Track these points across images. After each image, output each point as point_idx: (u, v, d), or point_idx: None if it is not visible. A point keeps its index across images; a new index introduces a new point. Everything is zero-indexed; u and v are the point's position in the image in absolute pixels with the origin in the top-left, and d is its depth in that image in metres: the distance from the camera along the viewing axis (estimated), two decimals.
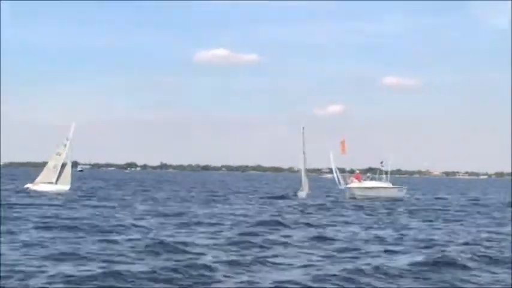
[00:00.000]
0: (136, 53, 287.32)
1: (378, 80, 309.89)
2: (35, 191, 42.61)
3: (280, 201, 40.73)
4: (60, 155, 45.57)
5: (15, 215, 24.60)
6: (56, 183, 44.66)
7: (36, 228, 20.07)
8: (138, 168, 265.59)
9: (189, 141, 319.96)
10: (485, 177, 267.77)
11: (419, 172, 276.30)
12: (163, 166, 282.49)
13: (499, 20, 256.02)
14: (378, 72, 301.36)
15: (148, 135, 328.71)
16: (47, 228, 20.10)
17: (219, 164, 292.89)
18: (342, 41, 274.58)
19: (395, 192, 47.26)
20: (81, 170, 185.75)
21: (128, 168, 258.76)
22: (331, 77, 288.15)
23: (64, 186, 44.36)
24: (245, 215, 27.90)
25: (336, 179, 48.34)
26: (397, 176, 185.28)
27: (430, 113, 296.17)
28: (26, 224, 21.25)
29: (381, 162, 47.82)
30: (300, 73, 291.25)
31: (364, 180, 47.42)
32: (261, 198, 44.62)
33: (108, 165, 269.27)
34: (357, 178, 47.37)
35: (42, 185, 44.51)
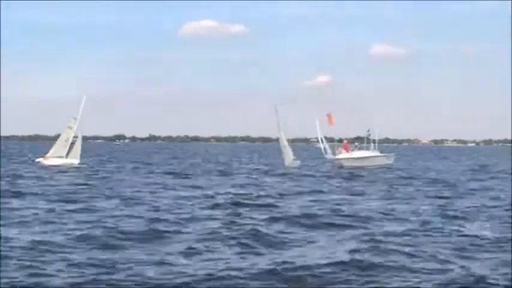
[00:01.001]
0: (121, 27, 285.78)
1: (367, 49, 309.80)
2: (47, 165, 42.59)
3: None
4: (71, 128, 45.16)
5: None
6: (67, 157, 44.35)
7: None
8: (126, 140, 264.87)
9: (178, 113, 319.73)
10: (473, 144, 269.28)
11: (408, 141, 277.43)
12: (152, 138, 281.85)
13: None
14: (367, 42, 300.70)
15: (136, 107, 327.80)
16: None
17: (207, 135, 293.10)
18: (330, 11, 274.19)
19: (384, 160, 47.73)
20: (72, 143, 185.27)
21: (117, 140, 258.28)
22: (320, 48, 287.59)
23: (74, 160, 44.13)
24: None
25: (322, 149, 48.66)
26: (386, 144, 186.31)
27: (419, 82, 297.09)
28: None
29: (368, 131, 48.19)
30: (288, 44, 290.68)
31: (352, 150, 47.63)
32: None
33: (95, 137, 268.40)
34: (345, 148, 47.53)
35: (52, 159, 44.28)
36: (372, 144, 47.77)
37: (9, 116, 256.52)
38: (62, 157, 44.30)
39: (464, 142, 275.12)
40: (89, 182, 28.97)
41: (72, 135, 45.01)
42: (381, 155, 48.41)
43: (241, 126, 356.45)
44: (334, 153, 47.68)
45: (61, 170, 38.71)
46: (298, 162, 45.18)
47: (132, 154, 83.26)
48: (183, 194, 23.42)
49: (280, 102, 46.77)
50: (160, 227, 14.61)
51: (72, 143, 44.83)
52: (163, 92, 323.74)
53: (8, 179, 29.67)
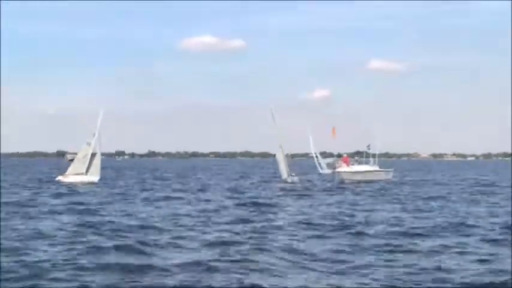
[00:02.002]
0: (121, 42, 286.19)
1: (365, 64, 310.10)
2: (66, 183, 41.93)
3: None
4: (89, 145, 44.46)
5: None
6: (86, 173, 43.69)
7: None
8: (126, 157, 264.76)
9: (176, 129, 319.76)
10: (473, 158, 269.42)
11: (408, 155, 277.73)
12: (151, 154, 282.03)
13: (489, 2, 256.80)
14: (365, 57, 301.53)
15: (135, 123, 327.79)
16: None
17: (207, 151, 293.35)
18: (328, 25, 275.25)
19: (383, 175, 47.95)
20: (71, 160, 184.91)
21: (116, 157, 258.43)
22: (318, 62, 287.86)
23: (94, 177, 43.44)
24: None
25: (317, 163, 48.92)
26: (384, 159, 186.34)
27: (417, 96, 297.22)
28: None
29: (368, 146, 48.60)
30: (286, 59, 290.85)
31: (352, 164, 47.93)
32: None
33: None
34: (345, 162, 47.80)
35: (71, 176, 43.75)
36: (371, 159, 48.09)
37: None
38: (81, 174, 43.60)
39: (464, 156, 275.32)
40: None
41: (91, 151, 44.24)
42: (381, 170, 48.71)
43: (240, 142, 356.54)
44: (333, 168, 47.85)
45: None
46: (296, 178, 44.79)
47: (159, 170, 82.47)
48: None
49: (274, 108, 45.75)
50: None
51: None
52: (162, 107, 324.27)
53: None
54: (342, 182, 44.93)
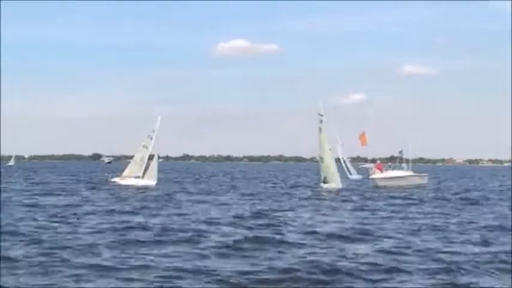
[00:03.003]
0: (156, 48, 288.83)
1: (398, 68, 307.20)
2: (121, 185, 41.82)
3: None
4: (146, 147, 44.27)
5: None
6: (143, 177, 43.35)
7: None
8: (160, 160, 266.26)
9: (210, 132, 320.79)
10: (509, 164, 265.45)
11: (443, 160, 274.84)
12: (186, 157, 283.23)
13: None
14: (399, 61, 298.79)
15: (168, 126, 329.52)
16: None
17: (240, 155, 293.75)
18: (361, 30, 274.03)
19: (417, 180, 47.49)
20: (109, 162, 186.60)
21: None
22: (351, 67, 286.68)
23: (151, 180, 42.88)
24: None
25: (345, 169, 48.24)
26: (421, 164, 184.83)
27: (451, 101, 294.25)
28: None
29: (400, 151, 48.10)
30: (320, 62, 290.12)
31: (386, 169, 47.46)
32: None
33: (128, 156, 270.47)
34: (378, 168, 47.41)
35: (128, 179, 43.47)
36: (405, 164, 47.59)
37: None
38: (138, 177, 43.33)
39: (500, 162, 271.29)
40: None
41: (148, 154, 44.11)
42: (415, 174, 48.25)
43: (274, 146, 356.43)
44: (369, 174, 47.51)
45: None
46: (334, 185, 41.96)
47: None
48: None
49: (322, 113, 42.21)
50: None
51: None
52: (196, 111, 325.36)
53: None
54: (376, 187, 44.51)
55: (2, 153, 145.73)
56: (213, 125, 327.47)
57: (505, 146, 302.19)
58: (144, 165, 43.67)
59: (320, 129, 41.81)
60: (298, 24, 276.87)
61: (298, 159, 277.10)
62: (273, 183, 51.45)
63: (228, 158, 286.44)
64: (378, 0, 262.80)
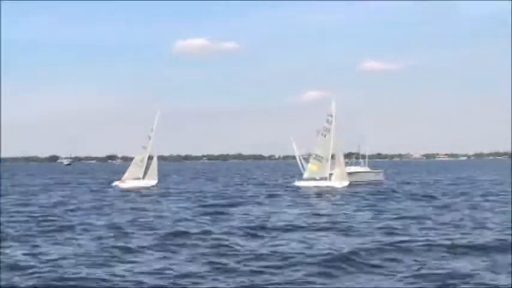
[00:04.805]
0: (115, 45, 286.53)
1: (357, 64, 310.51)
2: (124, 188, 41.58)
3: None
4: (145, 148, 43.96)
5: None
6: (144, 178, 43.24)
7: None
8: (119, 160, 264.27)
9: (169, 131, 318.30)
10: (465, 158, 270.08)
11: (400, 155, 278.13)
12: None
13: (479, 4, 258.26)
14: (358, 57, 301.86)
15: (127, 126, 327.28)
16: None
17: (199, 154, 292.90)
18: (319, 26, 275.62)
19: (373, 176, 48.30)
20: (69, 164, 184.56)
21: (108, 161, 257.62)
22: (310, 64, 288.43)
23: (152, 181, 42.98)
24: None
25: (300, 166, 48.73)
26: (378, 160, 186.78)
27: (410, 97, 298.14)
28: None
29: (358, 146, 48.93)
30: (279, 61, 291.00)
31: None
32: None
33: (88, 158, 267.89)
34: None
35: (129, 181, 43.29)
36: (362, 160, 48.37)
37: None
38: (138, 179, 43.10)
39: (456, 156, 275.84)
40: None
41: (147, 154, 43.76)
42: (371, 171, 49.01)
43: (232, 144, 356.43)
44: None
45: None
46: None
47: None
48: None
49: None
50: None
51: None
52: (154, 110, 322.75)
53: None
54: None
55: None
56: (171, 124, 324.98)
57: (460, 140, 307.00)
58: (144, 166, 43.44)
59: (327, 129, 42.92)
60: (258, 22, 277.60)
61: (257, 157, 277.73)
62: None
63: (187, 158, 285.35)
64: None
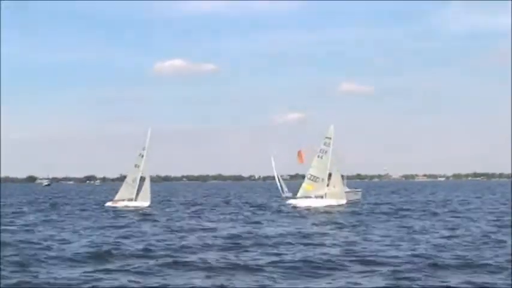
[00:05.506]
0: (93, 66, 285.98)
1: (336, 87, 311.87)
2: (116, 209, 40.64)
3: None
4: (138, 167, 42.31)
5: None
6: (136, 199, 41.85)
7: None
8: (97, 181, 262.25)
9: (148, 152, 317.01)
10: (443, 179, 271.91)
11: (379, 176, 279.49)
12: (123, 178, 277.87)
13: (452, 26, 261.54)
14: (336, 80, 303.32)
15: (106, 147, 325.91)
16: None
17: (179, 174, 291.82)
18: (299, 50, 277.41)
19: (351, 196, 48.51)
20: (48, 184, 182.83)
21: (87, 181, 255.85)
22: (290, 86, 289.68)
23: (144, 202, 41.52)
24: None
25: (279, 187, 48.73)
26: (358, 180, 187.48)
27: (388, 118, 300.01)
28: None
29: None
30: (258, 82, 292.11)
31: None
32: None
33: (66, 178, 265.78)
34: None
35: (121, 202, 42.13)
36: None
37: None
38: (131, 200, 41.84)
39: (435, 176, 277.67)
40: None
41: (140, 175, 42.23)
42: (349, 190, 49.23)
43: (212, 165, 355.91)
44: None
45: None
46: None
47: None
48: None
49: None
50: None
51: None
52: (133, 131, 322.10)
53: None
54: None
55: None
56: (150, 144, 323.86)
57: (439, 161, 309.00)
58: (137, 186, 42.26)
59: (324, 151, 43.45)
60: (236, 43, 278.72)
61: (237, 178, 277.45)
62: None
63: (166, 179, 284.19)
64: (316, 20, 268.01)
